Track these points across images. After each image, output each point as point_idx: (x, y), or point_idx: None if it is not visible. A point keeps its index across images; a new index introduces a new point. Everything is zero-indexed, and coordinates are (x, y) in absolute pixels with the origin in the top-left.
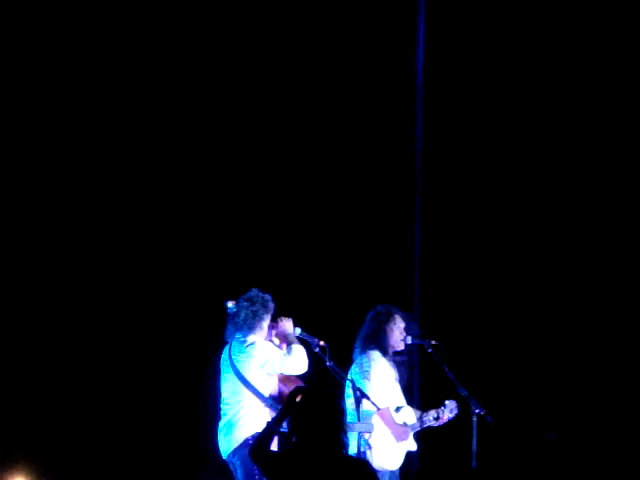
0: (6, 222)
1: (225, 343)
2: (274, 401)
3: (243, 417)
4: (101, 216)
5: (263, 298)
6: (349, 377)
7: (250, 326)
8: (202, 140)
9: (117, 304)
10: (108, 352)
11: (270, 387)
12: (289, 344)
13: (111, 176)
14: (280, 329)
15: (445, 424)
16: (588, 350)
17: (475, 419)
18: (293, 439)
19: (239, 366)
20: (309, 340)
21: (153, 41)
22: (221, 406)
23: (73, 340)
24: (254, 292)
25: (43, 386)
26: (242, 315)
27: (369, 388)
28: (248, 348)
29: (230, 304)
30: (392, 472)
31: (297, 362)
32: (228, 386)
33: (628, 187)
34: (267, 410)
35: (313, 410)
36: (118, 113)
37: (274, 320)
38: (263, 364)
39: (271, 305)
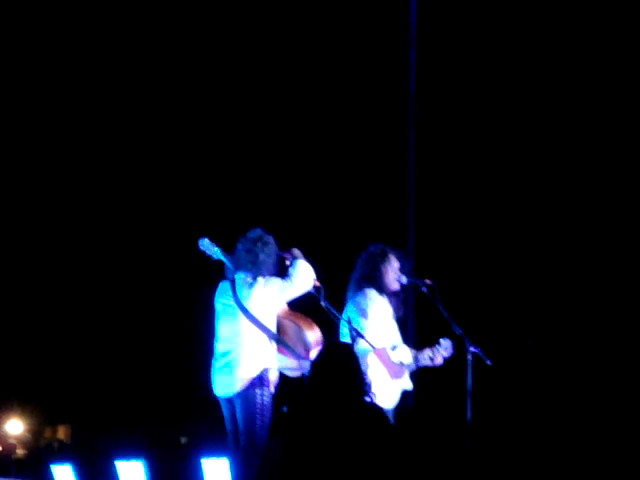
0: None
1: (216, 283)
2: (279, 336)
3: (249, 355)
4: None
5: (263, 238)
6: (345, 316)
7: (252, 265)
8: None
9: (107, 250)
10: (96, 297)
11: (274, 323)
12: (294, 259)
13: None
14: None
15: (441, 365)
16: (580, 286)
17: (470, 357)
18: (284, 409)
19: (246, 303)
20: None
21: (152, 41)
22: (218, 345)
23: (66, 290)
24: (255, 232)
25: (34, 330)
26: (243, 255)
27: (366, 326)
28: (253, 285)
29: (205, 242)
30: (387, 411)
31: (304, 277)
32: (231, 324)
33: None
34: (274, 345)
35: (332, 369)
36: (113, 108)
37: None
38: (276, 294)
39: (272, 246)
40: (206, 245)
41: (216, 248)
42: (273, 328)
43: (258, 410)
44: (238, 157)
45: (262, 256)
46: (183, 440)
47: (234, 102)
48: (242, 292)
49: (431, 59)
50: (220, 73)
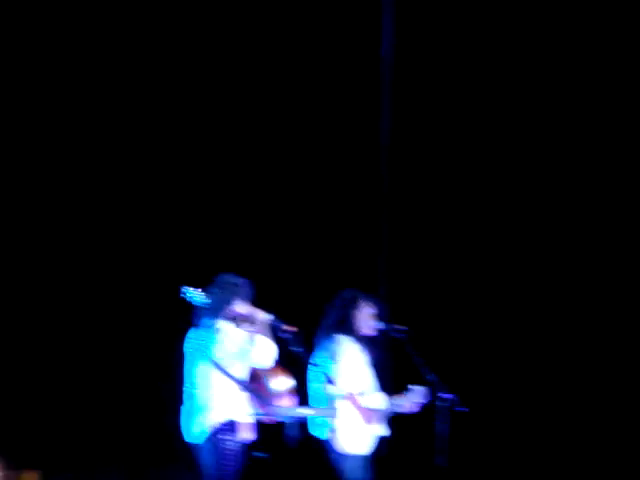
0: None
1: (189, 327)
2: (248, 384)
3: (215, 401)
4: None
5: (234, 283)
6: (315, 361)
7: (218, 311)
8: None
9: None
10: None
11: (244, 369)
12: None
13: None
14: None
15: (417, 411)
16: (558, 331)
17: (440, 404)
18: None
19: (210, 351)
20: (275, 324)
21: (151, 41)
22: (187, 389)
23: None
24: (225, 277)
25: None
26: (211, 299)
27: (337, 372)
28: (218, 334)
29: (189, 290)
30: (364, 457)
31: (262, 355)
32: (199, 370)
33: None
34: (242, 394)
35: None
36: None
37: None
38: (233, 353)
39: (242, 290)
40: (189, 292)
41: (196, 294)
42: (239, 374)
43: (226, 458)
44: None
45: (226, 303)
46: None
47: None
48: (205, 339)
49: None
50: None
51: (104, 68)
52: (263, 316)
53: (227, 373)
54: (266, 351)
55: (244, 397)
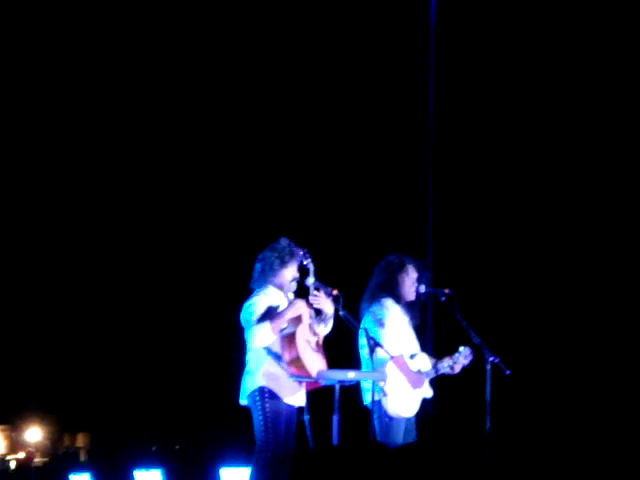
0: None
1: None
2: (278, 354)
3: (250, 368)
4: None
5: (283, 250)
6: (362, 326)
7: (264, 279)
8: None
9: (124, 258)
10: (116, 307)
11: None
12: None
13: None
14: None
15: (460, 372)
16: (595, 299)
17: (489, 367)
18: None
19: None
20: (322, 289)
21: (152, 41)
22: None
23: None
24: (280, 241)
25: (54, 338)
26: (259, 267)
27: (383, 336)
28: (247, 305)
29: (310, 280)
30: (408, 419)
31: (256, 338)
32: (248, 336)
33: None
34: (273, 362)
35: None
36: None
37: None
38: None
39: (289, 258)
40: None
41: None
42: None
43: (262, 420)
44: (254, 164)
45: (272, 270)
46: (177, 447)
47: (245, 108)
48: (244, 304)
49: (451, 68)
50: (228, 79)
51: (110, 69)
52: (309, 280)
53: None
54: (260, 337)
55: (276, 365)
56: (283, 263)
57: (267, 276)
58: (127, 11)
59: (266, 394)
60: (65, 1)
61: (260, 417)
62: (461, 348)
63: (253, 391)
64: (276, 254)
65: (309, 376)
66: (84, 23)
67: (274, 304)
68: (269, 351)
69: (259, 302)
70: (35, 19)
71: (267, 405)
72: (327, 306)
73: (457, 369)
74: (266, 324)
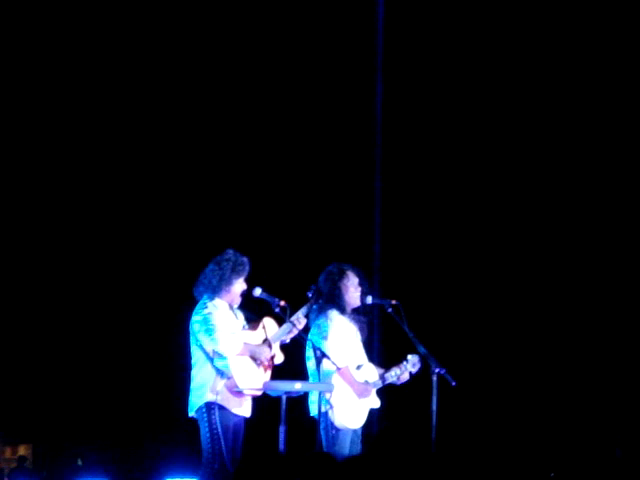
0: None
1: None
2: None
3: (198, 383)
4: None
5: (235, 261)
6: (309, 337)
7: (215, 289)
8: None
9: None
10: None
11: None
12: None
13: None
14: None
15: (407, 382)
16: (542, 304)
17: (435, 378)
18: None
19: (193, 328)
20: (269, 300)
21: (151, 41)
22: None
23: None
24: (227, 253)
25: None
26: (209, 276)
27: (328, 347)
28: (203, 314)
29: (257, 291)
30: (354, 431)
31: (227, 345)
32: (193, 349)
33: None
34: (219, 377)
35: None
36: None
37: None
38: (201, 338)
39: (241, 268)
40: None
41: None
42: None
43: (208, 435)
44: (196, 171)
45: (224, 281)
46: (79, 462)
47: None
48: (195, 315)
49: (399, 71)
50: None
51: (109, 69)
52: (255, 291)
53: (207, 354)
54: (231, 347)
55: (238, 374)
56: (236, 275)
57: (219, 287)
58: (127, 11)
59: (214, 408)
60: (65, 1)
61: (207, 430)
62: (409, 356)
63: (201, 406)
64: (230, 265)
65: (256, 388)
66: (84, 23)
67: (224, 318)
68: (214, 366)
69: (214, 313)
70: (35, 19)
71: (215, 418)
72: (404, 376)
73: (404, 378)
74: (238, 338)
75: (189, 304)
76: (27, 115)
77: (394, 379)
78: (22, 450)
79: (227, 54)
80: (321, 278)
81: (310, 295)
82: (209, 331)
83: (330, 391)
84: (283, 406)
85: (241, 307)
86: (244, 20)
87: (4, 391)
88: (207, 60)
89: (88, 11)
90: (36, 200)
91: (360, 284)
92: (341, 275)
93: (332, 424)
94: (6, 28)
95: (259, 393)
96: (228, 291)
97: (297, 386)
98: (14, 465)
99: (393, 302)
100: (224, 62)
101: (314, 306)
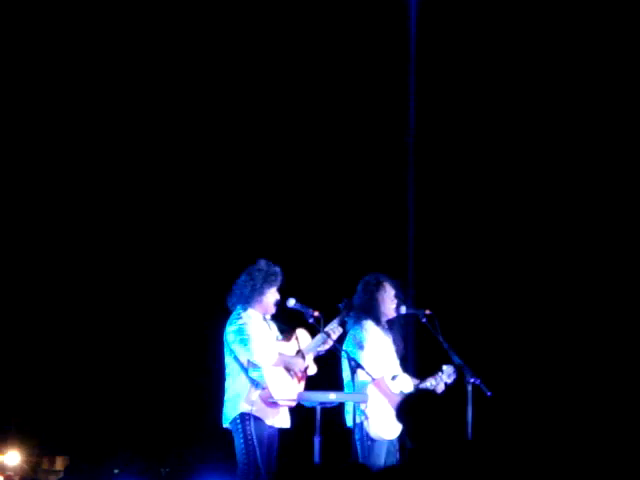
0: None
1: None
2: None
3: (232, 394)
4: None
5: (267, 271)
6: (344, 348)
7: (247, 299)
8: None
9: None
10: (96, 325)
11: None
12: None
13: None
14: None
15: (443, 392)
16: (578, 316)
17: (470, 388)
18: None
19: (228, 339)
20: (303, 311)
21: (152, 42)
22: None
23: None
24: (260, 264)
25: (32, 360)
26: (241, 287)
27: (363, 358)
28: (237, 325)
29: (291, 302)
30: (390, 441)
31: (262, 355)
32: (227, 360)
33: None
34: (254, 388)
35: None
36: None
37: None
38: (236, 349)
39: (274, 278)
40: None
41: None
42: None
43: (243, 446)
44: (227, 181)
45: (256, 291)
46: (163, 472)
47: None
48: (229, 326)
49: (432, 79)
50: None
51: (108, 69)
52: (289, 302)
53: (241, 365)
54: (257, 356)
55: (273, 384)
56: (268, 285)
57: (251, 297)
58: (127, 11)
59: (249, 419)
60: (65, 1)
61: (242, 441)
62: (444, 367)
63: (235, 417)
64: (262, 275)
65: (290, 398)
66: (84, 23)
67: (258, 328)
68: (249, 377)
69: (249, 323)
70: (35, 19)
71: (250, 429)
72: (439, 387)
73: (440, 389)
74: (273, 348)
75: (224, 315)
76: (26, 115)
77: (429, 390)
78: (59, 462)
79: (256, 56)
80: (358, 287)
81: (342, 307)
82: (244, 341)
83: (365, 402)
84: (318, 417)
85: (274, 318)
86: (277, 22)
87: (41, 403)
88: (235, 65)
89: (88, 11)
90: (59, 205)
91: (396, 296)
92: (378, 286)
93: (367, 435)
94: (6, 28)
95: (293, 404)
96: (260, 301)
97: (331, 396)
98: (53, 477)
99: (427, 312)
100: (254, 66)
101: (348, 317)
